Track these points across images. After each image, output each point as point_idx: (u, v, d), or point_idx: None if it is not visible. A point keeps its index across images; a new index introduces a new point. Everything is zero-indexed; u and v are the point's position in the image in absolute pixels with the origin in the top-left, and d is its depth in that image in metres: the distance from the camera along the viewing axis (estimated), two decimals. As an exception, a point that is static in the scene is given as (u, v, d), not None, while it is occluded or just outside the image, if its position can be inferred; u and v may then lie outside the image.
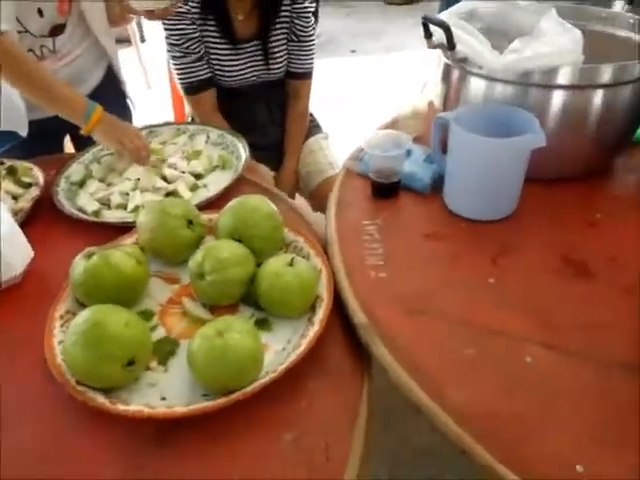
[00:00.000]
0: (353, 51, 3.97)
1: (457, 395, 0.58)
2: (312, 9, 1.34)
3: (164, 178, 1.03)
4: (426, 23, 0.87)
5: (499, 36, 0.94)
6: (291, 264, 0.71)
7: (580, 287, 0.71)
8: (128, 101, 1.41)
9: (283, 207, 0.91)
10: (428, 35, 0.87)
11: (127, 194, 0.99)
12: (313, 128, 1.53)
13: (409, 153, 0.97)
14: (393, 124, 1.12)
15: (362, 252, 0.79)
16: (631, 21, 0.96)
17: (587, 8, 1.01)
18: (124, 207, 0.97)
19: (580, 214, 0.84)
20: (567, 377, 0.60)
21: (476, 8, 1.02)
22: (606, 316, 0.66)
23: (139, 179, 1.01)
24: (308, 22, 1.33)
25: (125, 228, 0.87)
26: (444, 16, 0.90)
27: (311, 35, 1.36)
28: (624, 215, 0.84)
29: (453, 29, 0.83)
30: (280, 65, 1.37)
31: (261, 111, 1.44)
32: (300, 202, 1.53)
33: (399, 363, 0.61)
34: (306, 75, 1.41)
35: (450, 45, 0.84)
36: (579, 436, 0.54)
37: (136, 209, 0.95)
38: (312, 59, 1.40)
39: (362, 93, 3.21)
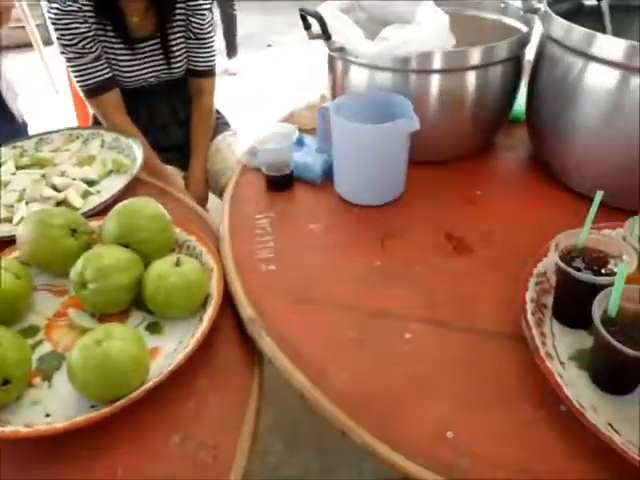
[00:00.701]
0: (269, 45, 3.95)
1: (337, 378, 0.59)
2: (208, 6, 1.32)
3: (54, 187, 0.99)
4: (304, 14, 0.87)
5: (383, 26, 0.96)
6: (177, 264, 0.70)
7: (458, 262, 0.74)
8: (16, 113, 1.33)
9: (177, 206, 0.90)
10: (307, 26, 0.88)
11: (13, 206, 0.94)
12: (220, 126, 1.51)
13: (302, 144, 0.98)
14: (289, 117, 1.13)
15: (253, 246, 0.79)
16: (502, 5, 1.01)
17: (462, -6, 1.06)
18: (10, 220, 0.92)
19: (461, 193, 0.87)
20: (442, 349, 0.62)
21: (359, -1, 1.03)
22: (478, 288, 0.69)
23: (25, 189, 0.96)
24: (204, 19, 1.31)
25: (12, 242, 0.83)
26: (322, 7, 0.91)
27: (209, 32, 1.34)
28: (501, 191, 0.88)
29: (327, 19, 0.84)
30: (180, 64, 1.34)
31: (164, 111, 1.41)
32: (214, 200, 1.52)
33: (282, 351, 0.62)
34: (208, 73, 1.39)
35: (325, 35, 0.85)
36: (451, 405, 0.56)
37: (23, 221, 0.91)
38: (213, 56, 1.38)
39: (276, 87, 3.20)
